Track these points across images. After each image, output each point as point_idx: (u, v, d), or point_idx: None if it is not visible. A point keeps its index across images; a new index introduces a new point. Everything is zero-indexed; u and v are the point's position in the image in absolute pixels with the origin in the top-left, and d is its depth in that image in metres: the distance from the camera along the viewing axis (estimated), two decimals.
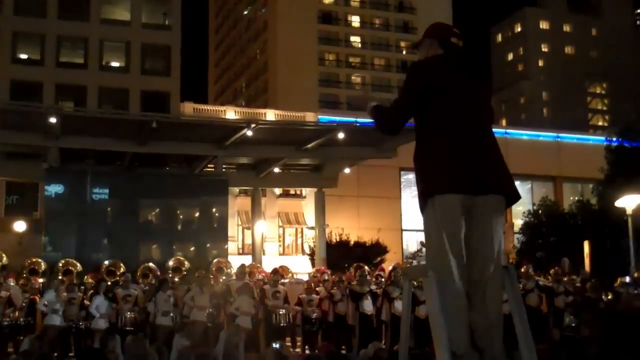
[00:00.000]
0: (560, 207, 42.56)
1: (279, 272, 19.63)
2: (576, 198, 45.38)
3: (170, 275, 20.13)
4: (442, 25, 4.82)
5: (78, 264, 20.06)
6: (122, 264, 20.80)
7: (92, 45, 49.91)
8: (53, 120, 23.94)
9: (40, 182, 30.60)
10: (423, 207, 4.38)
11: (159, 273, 20.40)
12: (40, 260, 21.12)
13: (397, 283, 17.32)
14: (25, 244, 34.11)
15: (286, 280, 20.06)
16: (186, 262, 22.12)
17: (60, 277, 18.11)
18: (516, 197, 4.40)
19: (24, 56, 49.59)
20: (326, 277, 20.15)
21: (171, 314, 15.70)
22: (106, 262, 21.17)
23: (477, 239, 4.25)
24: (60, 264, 20.41)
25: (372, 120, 4.72)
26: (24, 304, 16.10)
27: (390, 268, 20.87)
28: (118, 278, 18.83)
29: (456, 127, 4.29)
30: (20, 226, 37.61)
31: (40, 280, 18.24)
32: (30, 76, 47.47)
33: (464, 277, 4.21)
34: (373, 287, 18.10)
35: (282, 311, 17.04)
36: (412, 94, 4.48)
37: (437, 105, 4.36)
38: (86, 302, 16.12)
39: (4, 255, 20.30)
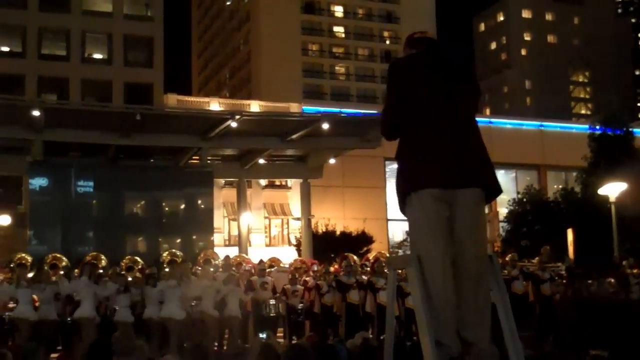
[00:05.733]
0: (544, 196, 42.78)
1: (265, 263, 19.64)
2: (560, 186, 45.58)
3: (165, 268, 19.99)
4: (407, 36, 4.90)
5: (64, 258, 19.96)
6: (103, 257, 20.67)
7: (74, 37, 49.59)
8: (36, 113, 23.81)
9: (24, 176, 30.44)
10: (402, 205, 4.43)
11: (142, 266, 20.25)
12: (26, 255, 20.97)
13: (381, 273, 17.39)
14: (9, 238, 33.95)
15: (272, 270, 20.05)
16: (179, 253, 22.06)
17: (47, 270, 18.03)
18: (497, 190, 4.44)
19: (5, 49, 49.22)
20: (315, 268, 20.16)
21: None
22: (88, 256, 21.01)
23: (460, 231, 4.29)
24: (48, 259, 20.30)
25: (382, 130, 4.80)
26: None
27: (373, 258, 20.93)
28: (101, 271, 18.71)
29: (430, 123, 4.33)
30: (4, 220, 37.38)
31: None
32: (12, 69, 47.11)
33: (449, 268, 4.26)
34: (359, 277, 18.14)
35: (272, 302, 17.09)
36: (390, 94, 4.56)
37: (410, 103, 4.41)
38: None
39: None
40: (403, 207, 4.43)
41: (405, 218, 4.44)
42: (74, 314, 15.38)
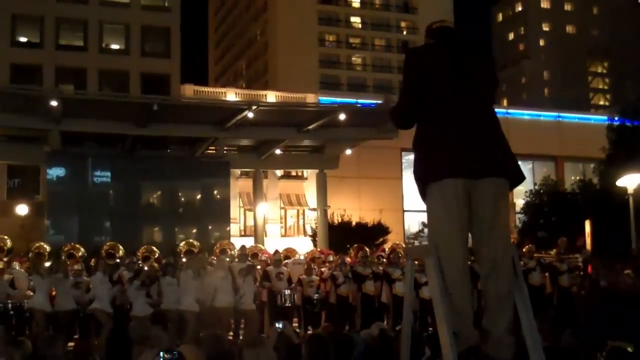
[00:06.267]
0: (561, 187, 42.55)
1: (280, 253, 19.64)
2: (578, 177, 45.30)
3: (182, 258, 20.02)
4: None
5: (81, 248, 20.06)
6: (120, 247, 20.77)
7: (92, 27, 49.74)
8: (54, 103, 23.97)
9: (42, 166, 30.63)
10: (423, 194, 4.40)
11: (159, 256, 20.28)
12: (44, 244, 21.07)
13: (397, 264, 17.37)
14: (27, 228, 34.14)
15: (289, 261, 20.07)
16: (196, 244, 22.09)
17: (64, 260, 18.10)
18: (520, 178, 4.42)
19: (23, 39, 49.42)
20: (331, 259, 20.18)
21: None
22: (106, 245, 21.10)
23: (482, 221, 4.27)
24: (65, 248, 20.41)
25: (391, 117, 4.78)
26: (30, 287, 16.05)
27: (389, 249, 20.89)
28: (118, 261, 18.79)
29: (452, 112, 4.30)
30: (22, 210, 37.64)
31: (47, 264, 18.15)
32: (29, 59, 47.34)
33: (467, 259, 4.25)
34: (375, 268, 18.11)
35: (287, 292, 17.09)
36: (408, 81, 4.51)
37: (430, 90, 4.37)
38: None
39: (8, 239, 20.30)
40: (424, 196, 4.41)
41: (424, 208, 4.42)
42: (89, 307, 15.34)
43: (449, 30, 4.64)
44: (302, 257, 21.49)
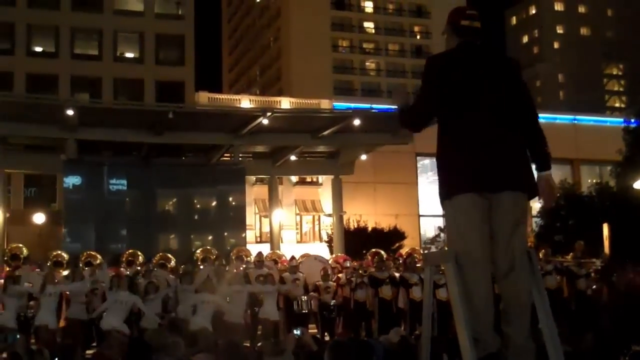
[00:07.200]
0: (578, 190, 42.31)
1: (296, 260, 19.63)
2: (594, 180, 45.07)
3: (200, 265, 19.99)
4: (455, 10, 4.76)
5: (99, 256, 20.09)
6: (140, 254, 20.83)
7: (106, 36, 50.03)
8: (70, 112, 24.09)
9: (58, 174, 30.79)
10: (443, 203, 4.41)
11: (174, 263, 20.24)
12: (62, 252, 21.15)
13: (414, 269, 17.31)
14: (44, 236, 34.35)
15: (303, 260, 20.05)
16: (213, 251, 22.08)
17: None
18: (533, 194, 4.45)
19: (38, 49, 49.76)
20: (348, 265, 20.15)
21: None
22: (126, 253, 21.13)
23: (501, 230, 4.28)
24: (82, 256, 20.46)
25: (399, 117, 4.68)
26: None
27: (405, 254, 20.88)
28: (139, 268, 18.84)
29: (472, 125, 4.29)
30: (39, 218, 37.88)
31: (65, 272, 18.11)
32: (45, 69, 47.63)
33: (489, 265, 4.23)
34: (392, 272, 18.06)
35: (303, 298, 17.04)
36: (430, 89, 4.46)
37: (452, 103, 4.34)
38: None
39: (24, 248, 20.38)
40: (443, 203, 4.43)
41: (439, 212, 4.44)
42: (101, 323, 14.74)
43: (475, 34, 4.58)
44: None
